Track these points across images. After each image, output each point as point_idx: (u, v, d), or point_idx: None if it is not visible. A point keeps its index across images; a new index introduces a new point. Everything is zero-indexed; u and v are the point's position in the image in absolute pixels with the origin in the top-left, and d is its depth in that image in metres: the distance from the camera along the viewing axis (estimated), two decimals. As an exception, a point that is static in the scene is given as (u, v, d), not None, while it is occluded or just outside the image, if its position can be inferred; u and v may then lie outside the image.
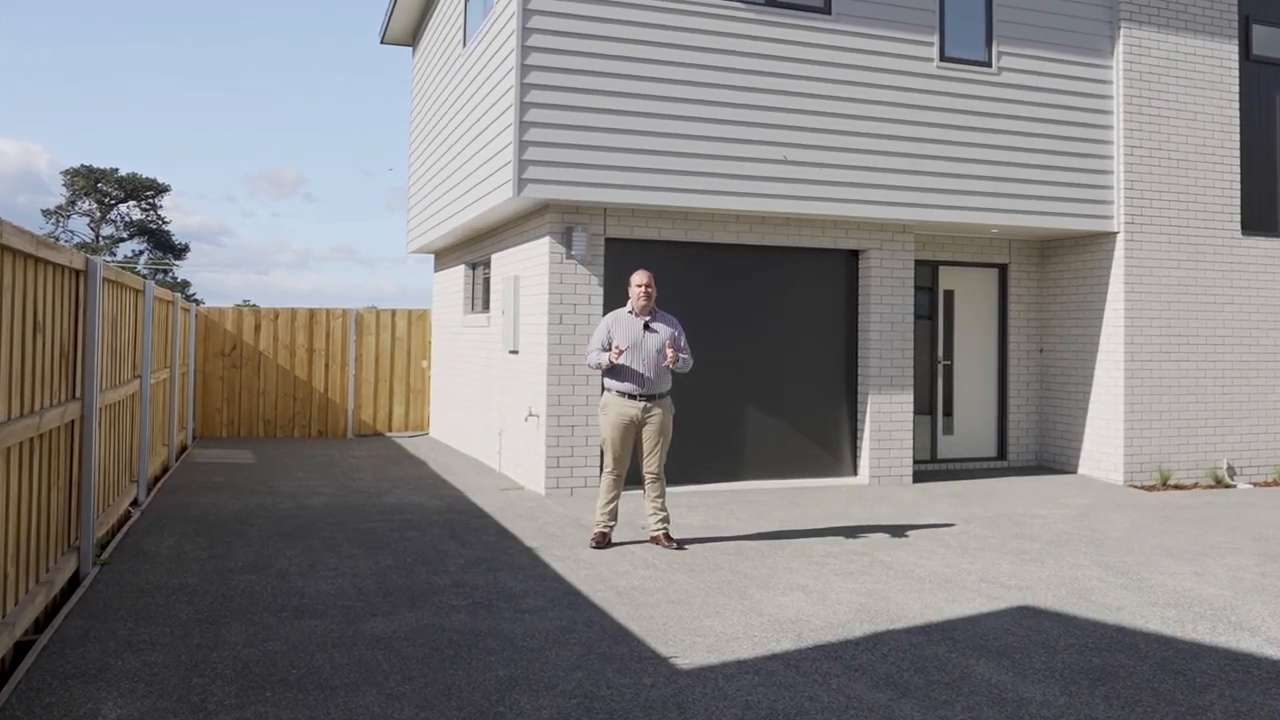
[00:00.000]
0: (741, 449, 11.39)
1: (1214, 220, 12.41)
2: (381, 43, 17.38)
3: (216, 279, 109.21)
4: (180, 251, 59.84)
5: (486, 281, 13.63)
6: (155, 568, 7.11)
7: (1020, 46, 11.67)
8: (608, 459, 8.15)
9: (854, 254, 11.85)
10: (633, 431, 8.09)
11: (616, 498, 8.20)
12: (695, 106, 10.42)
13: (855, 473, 11.80)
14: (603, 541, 8.12)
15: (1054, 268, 13.21)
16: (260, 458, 13.41)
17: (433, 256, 17.47)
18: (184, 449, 13.99)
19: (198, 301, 16.43)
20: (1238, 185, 12.51)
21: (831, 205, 10.91)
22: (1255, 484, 12.31)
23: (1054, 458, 13.06)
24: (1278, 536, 9.06)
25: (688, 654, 5.52)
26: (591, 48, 10.10)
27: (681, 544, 8.20)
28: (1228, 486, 12.06)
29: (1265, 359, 12.62)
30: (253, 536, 8.23)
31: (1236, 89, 12.54)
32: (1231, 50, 12.54)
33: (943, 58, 11.36)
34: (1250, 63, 12.70)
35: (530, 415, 10.78)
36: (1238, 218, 12.51)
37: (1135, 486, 11.84)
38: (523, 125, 9.92)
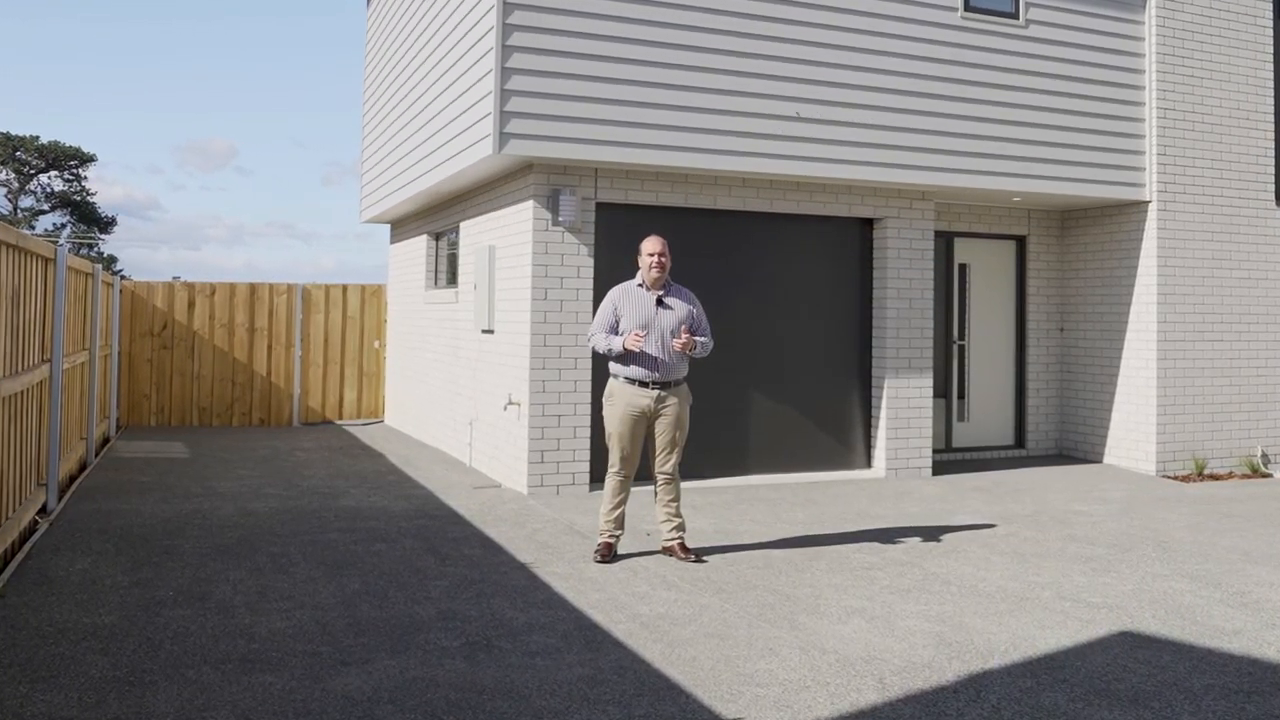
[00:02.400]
0: (746, 440, 10.21)
1: (1248, 190, 11.44)
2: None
3: (144, 255, 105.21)
4: (107, 225, 56.97)
5: (453, 254, 12.29)
6: (63, 600, 5.73)
7: (1049, -6, 10.57)
8: (614, 457, 6.92)
9: (867, 223, 10.69)
10: (644, 425, 6.88)
11: (624, 502, 6.98)
12: (699, 55, 9.18)
13: (869, 465, 10.68)
14: (609, 554, 6.90)
15: (1076, 240, 12.17)
16: (195, 451, 11.96)
17: (388, 227, 16.05)
18: (106, 442, 12.50)
19: (124, 277, 14.88)
20: (1272, 153, 11.55)
21: (846, 168, 9.74)
22: (1293, 474, 11.40)
23: (1076, 446, 12.05)
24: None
25: (754, 713, 4.33)
26: (581, -19, 8.83)
27: (700, 556, 7.00)
28: (1264, 476, 11.13)
29: (1301, 339, 11.70)
30: (187, 554, 6.87)
31: (1271, 50, 11.56)
32: (1266, 8, 11.53)
33: (967, 8, 10.21)
34: (1285, 20, 11.73)
35: (510, 404, 9.51)
36: (1272, 188, 11.56)
37: (1168, 477, 10.87)
38: (505, 72, 8.62)
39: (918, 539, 7.77)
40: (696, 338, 6.91)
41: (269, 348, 14.85)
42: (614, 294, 7.00)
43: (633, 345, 6.66)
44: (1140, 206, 11.15)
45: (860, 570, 6.79)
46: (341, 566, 6.57)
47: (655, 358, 6.78)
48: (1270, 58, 11.54)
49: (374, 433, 13.99)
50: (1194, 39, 11.18)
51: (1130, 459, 11.25)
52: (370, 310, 15.40)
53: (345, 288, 15.33)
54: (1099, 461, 11.68)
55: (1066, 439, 12.20)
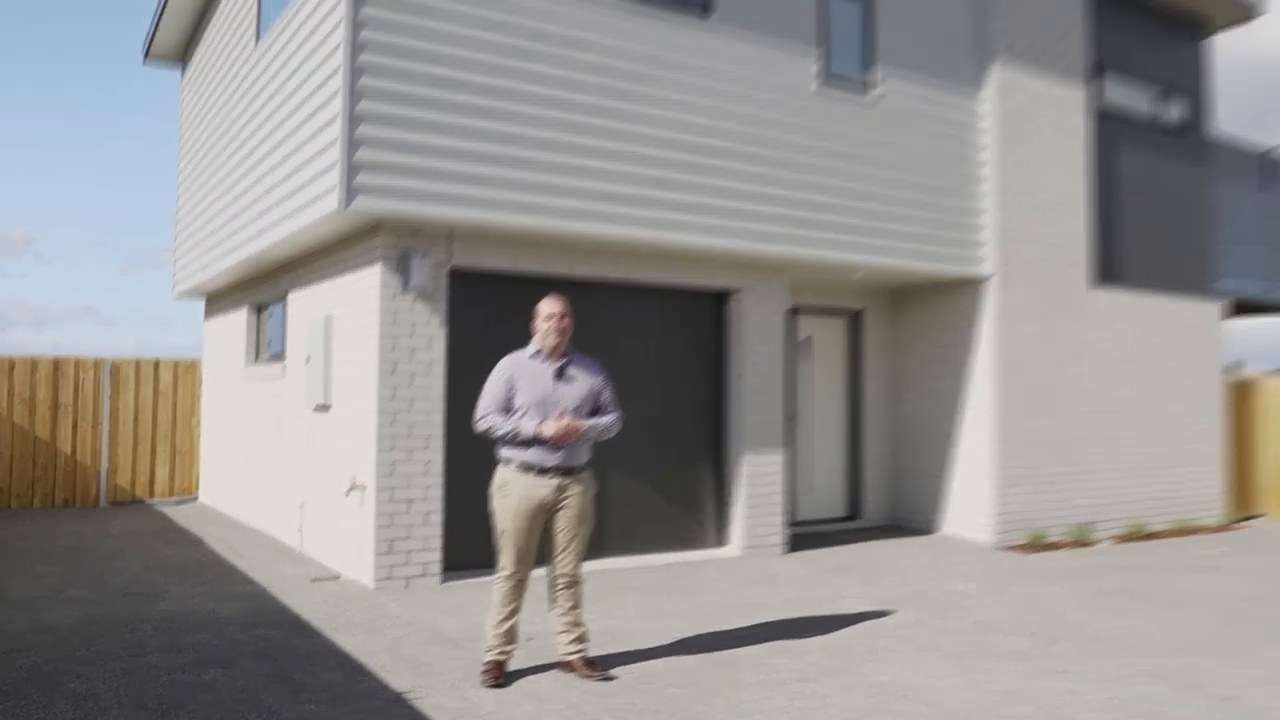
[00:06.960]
0: (603, 521, 8.67)
1: (1069, 272, 10.95)
2: (145, 60, 13.60)
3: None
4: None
5: (271, 330, 10.29)
6: None
7: (900, 72, 9.78)
8: (506, 558, 5.32)
9: (720, 297, 9.48)
10: (542, 519, 5.34)
11: (517, 612, 5.38)
12: (560, 111, 7.81)
13: (722, 543, 9.37)
14: (499, 674, 5.27)
15: (908, 316, 11.40)
16: (-25, 544, 9.39)
17: (202, 304, 13.73)
18: None
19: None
20: (1089, 236, 11.11)
21: (705, 236, 8.51)
22: (1113, 539, 10.82)
23: (909, 516, 11.14)
24: (1259, 614, 7.30)
25: None
26: (444, 28, 7.32)
27: (607, 673, 5.43)
28: (1091, 544, 10.50)
29: (1110, 412, 11.24)
30: (-48, 704, 4.75)
31: (1087, 138, 11.16)
32: (1078, 97, 11.07)
33: (822, 79, 9.26)
34: (1101, 115, 11.39)
35: (353, 488, 7.67)
36: (1088, 269, 11.08)
37: (1007, 548, 10.06)
38: (354, 118, 6.98)
39: (825, 635, 6.46)
40: (594, 421, 5.43)
41: (74, 425, 12.27)
42: (506, 365, 5.45)
43: (554, 433, 5.15)
44: (976, 283, 10.46)
45: (795, 684, 5.38)
46: (168, 711, 4.65)
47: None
48: (1087, 146, 11.12)
49: (189, 512, 11.63)
50: (1029, 123, 10.63)
51: (968, 529, 10.42)
52: (184, 386, 13.04)
53: (157, 363, 12.93)
54: (934, 532, 10.81)
55: (898, 510, 11.29)
